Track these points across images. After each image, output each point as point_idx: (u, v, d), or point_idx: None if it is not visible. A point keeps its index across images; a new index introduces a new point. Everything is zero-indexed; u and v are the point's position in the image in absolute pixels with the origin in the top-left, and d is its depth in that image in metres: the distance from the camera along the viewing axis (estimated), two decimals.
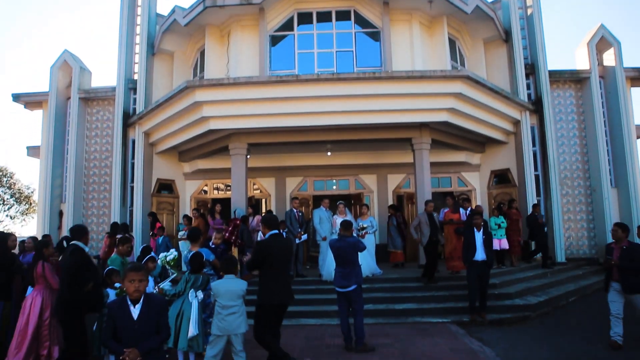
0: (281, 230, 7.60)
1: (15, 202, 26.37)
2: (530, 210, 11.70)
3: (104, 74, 73.06)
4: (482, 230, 8.03)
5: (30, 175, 63.16)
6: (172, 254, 6.18)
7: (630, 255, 6.08)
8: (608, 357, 5.83)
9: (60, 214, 14.30)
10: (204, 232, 10.39)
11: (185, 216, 11.96)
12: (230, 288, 4.92)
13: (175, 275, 6.02)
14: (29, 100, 15.61)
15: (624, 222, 13.05)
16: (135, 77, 14.05)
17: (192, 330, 5.23)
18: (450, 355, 5.86)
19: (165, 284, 5.76)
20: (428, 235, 9.18)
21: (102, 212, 14.24)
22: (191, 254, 5.74)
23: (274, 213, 12.73)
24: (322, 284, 9.19)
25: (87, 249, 5.38)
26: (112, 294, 5.35)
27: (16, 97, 15.47)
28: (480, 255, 7.85)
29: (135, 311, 3.23)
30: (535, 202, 12.28)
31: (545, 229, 11.67)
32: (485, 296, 7.97)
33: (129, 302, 3.25)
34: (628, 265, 6.05)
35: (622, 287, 6.15)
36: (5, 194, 25.95)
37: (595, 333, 7.05)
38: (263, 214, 10.70)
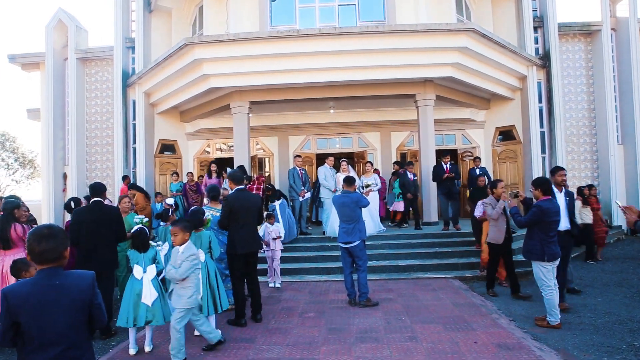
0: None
1: (19, 167, 26.41)
2: (535, 166, 11.58)
3: (101, 33, 71.42)
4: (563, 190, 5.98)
5: (32, 138, 63.00)
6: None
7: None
8: (605, 308, 5.89)
9: (65, 176, 14.36)
10: (144, 207, 10.09)
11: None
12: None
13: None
14: (25, 62, 15.34)
15: (629, 179, 13.21)
16: (133, 35, 13.72)
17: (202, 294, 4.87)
18: (452, 309, 5.94)
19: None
20: (504, 229, 6.69)
21: (105, 174, 14.26)
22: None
23: (277, 171, 12.81)
24: (326, 241, 9.26)
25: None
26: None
27: (12, 58, 15.19)
28: (564, 223, 5.76)
29: None
30: (540, 158, 12.17)
31: None
32: (565, 279, 6.12)
33: None
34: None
35: None
36: (9, 158, 25.97)
37: (593, 287, 7.16)
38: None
